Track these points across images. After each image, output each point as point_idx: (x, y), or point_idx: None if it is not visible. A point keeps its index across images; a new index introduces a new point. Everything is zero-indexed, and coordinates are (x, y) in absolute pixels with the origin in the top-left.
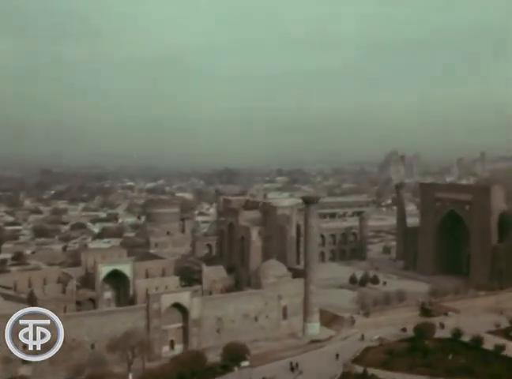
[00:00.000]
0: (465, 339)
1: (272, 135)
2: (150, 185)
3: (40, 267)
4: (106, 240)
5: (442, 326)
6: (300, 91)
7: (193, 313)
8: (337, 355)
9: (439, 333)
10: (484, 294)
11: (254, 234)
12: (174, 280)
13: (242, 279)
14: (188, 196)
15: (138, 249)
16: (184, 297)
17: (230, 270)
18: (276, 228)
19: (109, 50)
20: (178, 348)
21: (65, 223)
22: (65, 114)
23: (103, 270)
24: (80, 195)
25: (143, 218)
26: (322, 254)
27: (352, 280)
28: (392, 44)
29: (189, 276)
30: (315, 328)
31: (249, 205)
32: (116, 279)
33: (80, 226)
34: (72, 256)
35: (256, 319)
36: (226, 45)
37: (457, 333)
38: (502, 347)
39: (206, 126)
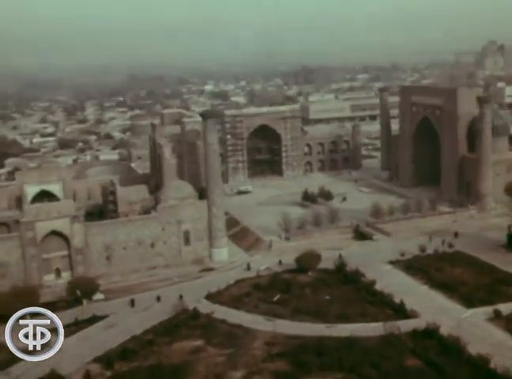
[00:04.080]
0: (364, 270)
1: (366, 29)
2: (229, 87)
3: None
4: (118, 151)
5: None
6: None
7: (76, 241)
8: (181, 296)
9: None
10: (438, 213)
11: (167, 151)
12: (68, 205)
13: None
14: (242, 100)
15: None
16: (63, 224)
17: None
18: (187, 145)
19: None
20: (66, 276)
21: (97, 134)
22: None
23: (30, 190)
24: (145, 102)
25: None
26: (310, 164)
27: (305, 196)
28: None
29: (106, 199)
30: (223, 254)
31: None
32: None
33: (107, 136)
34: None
35: (152, 245)
36: None
37: (341, 265)
38: (373, 282)
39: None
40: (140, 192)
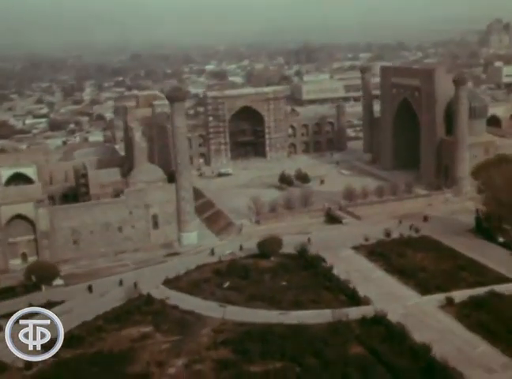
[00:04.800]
0: (326, 255)
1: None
2: (231, 67)
3: None
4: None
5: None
6: None
7: (41, 225)
8: (135, 284)
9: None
10: (414, 196)
11: (137, 134)
12: (35, 188)
13: None
14: (240, 80)
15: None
16: (27, 208)
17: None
18: (156, 128)
19: None
20: (33, 261)
21: (90, 115)
22: None
23: (4, 173)
24: (144, 81)
25: None
26: (294, 146)
27: (282, 179)
28: None
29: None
30: (191, 238)
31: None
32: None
33: (99, 117)
34: None
35: (120, 229)
36: None
37: (302, 250)
38: (330, 268)
39: None
40: (111, 175)
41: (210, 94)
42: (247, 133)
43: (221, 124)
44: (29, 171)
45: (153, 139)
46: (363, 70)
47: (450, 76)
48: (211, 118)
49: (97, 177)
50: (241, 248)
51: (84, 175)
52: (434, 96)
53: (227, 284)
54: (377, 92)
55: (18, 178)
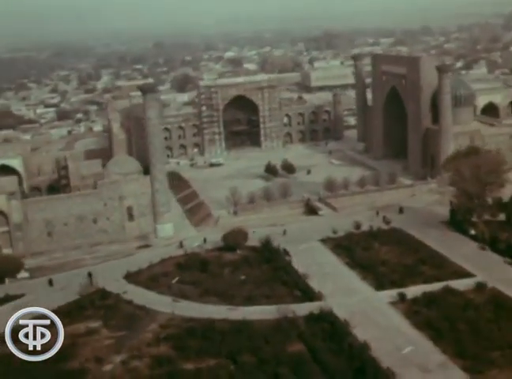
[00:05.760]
0: (291, 248)
1: None
2: (251, 53)
3: None
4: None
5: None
6: None
7: (14, 217)
8: (90, 275)
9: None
10: (396, 187)
11: (115, 126)
12: (11, 181)
13: None
14: (254, 67)
15: None
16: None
17: None
18: (133, 119)
19: None
20: (7, 253)
21: (98, 104)
22: None
23: None
24: (161, 70)
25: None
26: (290, 135)
27: (268, 169)
28: None
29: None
30: (167, 230)
31: None
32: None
33: (107, 106)
34: None
35: (95, 221)
36: None
37: (266, 243)
38: (290, 262)
39: None
40: (92, 166)
41: (203, 83)
42: (242, 123)
43: (215, 113)
44: (14, 163)
45: (131, 131)
46: (356, 58)
47: (434, 63)
48: (204, 108)
49: (78, 169)
50: (205, 241)
51: (65, 167)
52: (419, 84)
53: (176, 279)
54: None
55: (4, 170)
